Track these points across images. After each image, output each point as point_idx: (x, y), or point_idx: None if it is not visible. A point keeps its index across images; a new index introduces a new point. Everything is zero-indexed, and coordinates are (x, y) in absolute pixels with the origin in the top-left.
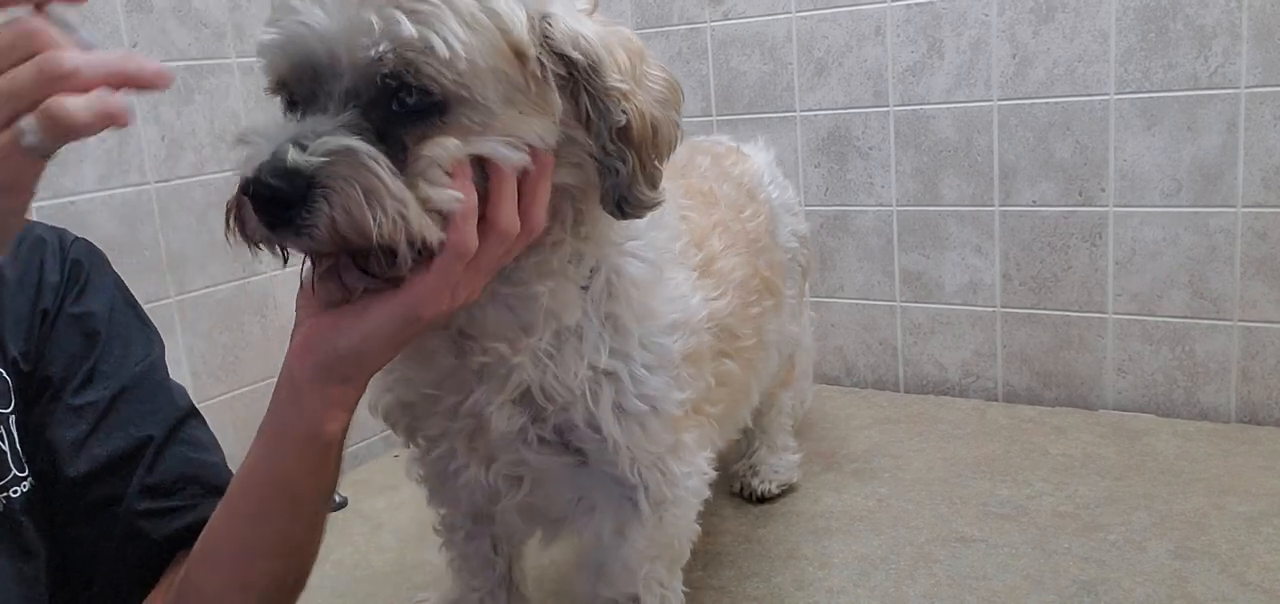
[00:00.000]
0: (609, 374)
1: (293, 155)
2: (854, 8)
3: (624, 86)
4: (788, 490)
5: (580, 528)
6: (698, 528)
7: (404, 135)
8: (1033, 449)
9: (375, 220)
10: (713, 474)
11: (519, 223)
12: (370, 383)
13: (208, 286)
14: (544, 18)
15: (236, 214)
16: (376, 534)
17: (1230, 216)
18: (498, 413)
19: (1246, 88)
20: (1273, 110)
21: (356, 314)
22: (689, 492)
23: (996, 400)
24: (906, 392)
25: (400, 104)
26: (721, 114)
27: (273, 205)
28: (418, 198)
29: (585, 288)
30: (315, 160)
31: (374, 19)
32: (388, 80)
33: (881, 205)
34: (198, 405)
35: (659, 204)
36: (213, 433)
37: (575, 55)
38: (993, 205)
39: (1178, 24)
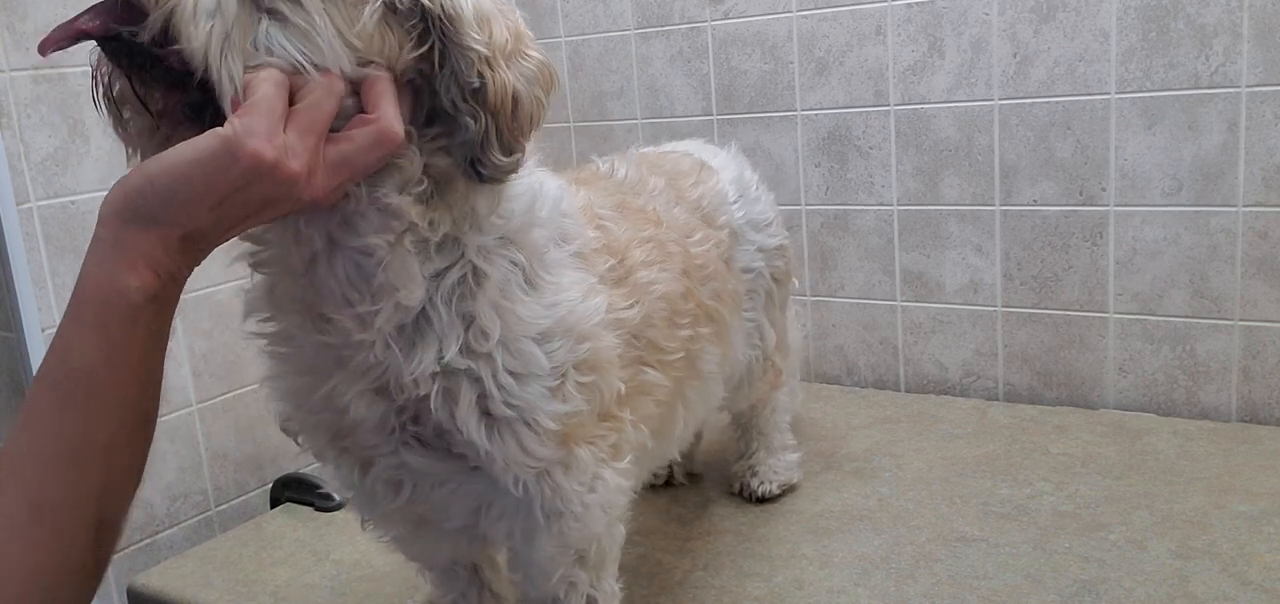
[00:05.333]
0: (467, 374)
1: None
2: (854, 7)
3: (482, 50)
4: (788, 490)
5: (491, 535)
6: (622, 531)
7: None
8: (1033, 449)
9: None
10: (629, 484)
11: (377, 122)
12: (271, 396)
13: (208, 287)
14: None
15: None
16: None
17: (1231, 216)
18: (356, 401)
19: (1247, 87)
20: (1274, 110)
21: (175, 148)
22: (589, 505)
23: (997, 400)
24: (907, 391)
25: None
26: (722, 113)
27: None
28: (232, 27)
29: (438, 277)
30: None
31: None
32: None
33: (882, 205)
34: (198, 405)
35: (514, 170)
36: None
37: (428, 3)
38: (993, 205)
39: (1179, 23)
